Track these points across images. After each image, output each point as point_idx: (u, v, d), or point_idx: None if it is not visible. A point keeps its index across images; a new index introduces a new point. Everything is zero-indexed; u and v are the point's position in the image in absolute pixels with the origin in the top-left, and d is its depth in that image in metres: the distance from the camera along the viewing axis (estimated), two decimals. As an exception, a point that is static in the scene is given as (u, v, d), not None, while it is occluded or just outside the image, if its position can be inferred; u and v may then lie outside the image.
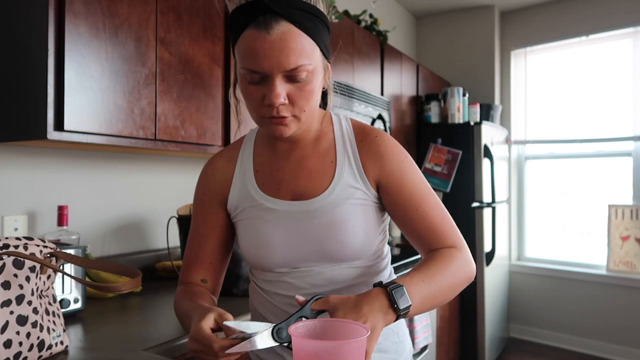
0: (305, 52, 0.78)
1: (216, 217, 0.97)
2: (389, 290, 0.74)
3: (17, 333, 0.87)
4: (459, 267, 0.85)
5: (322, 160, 0.91)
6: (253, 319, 0.99)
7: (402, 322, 1.00)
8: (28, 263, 0.90)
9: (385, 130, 2.70)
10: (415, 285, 0.78)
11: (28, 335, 0.88)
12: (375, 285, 0.77)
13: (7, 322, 0.85)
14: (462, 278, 0.85)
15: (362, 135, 0.93)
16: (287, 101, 0.79)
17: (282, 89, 0.78)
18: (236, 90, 0.91)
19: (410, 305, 0.74)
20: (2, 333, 0.84)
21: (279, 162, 0.93)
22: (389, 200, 0.90)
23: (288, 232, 0.88)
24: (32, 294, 0.90)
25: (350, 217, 0.87)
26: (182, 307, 0.88)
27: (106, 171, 1.78)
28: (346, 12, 2.73)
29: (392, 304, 0.73)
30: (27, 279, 0.90)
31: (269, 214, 0.90)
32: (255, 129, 1.02)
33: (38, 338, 0.90)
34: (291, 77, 0.78)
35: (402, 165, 0.90)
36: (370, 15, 2.96)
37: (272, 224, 0.89)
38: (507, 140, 3.88)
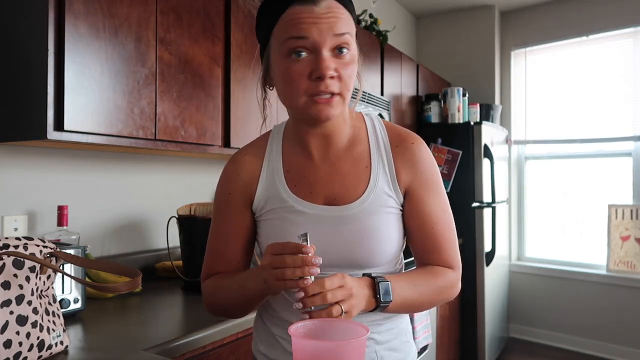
0: (350, 24, 0.82)
1: (243, 218, 0.94)
2: (376, 282, 0.80)
3: (17, 333, 0.86)
4: (447, 287, 0.91)
5: (357, 165, 0.90)
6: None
7: (408, 322, 1.00)
8: (28, 263, 0.90)
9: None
10: (402, 287, 0.83)
11: (28, 335, 0.88)
12: (364, 274, 0.82)
13: (7, 322, 0.85)
14: (443, 297, 0.92)
15: (398, 140, 0.92)
16: (336, 74, 0.80)
17: (330, 61, 0.79)
18: (263, 84, 0.91)
19: (391, 302, 0.80)
20: (2, 333, 0.84)
21: (312, 164, 0.91)
22: (409, 209, 0.91)
23: (317, 236, 0.85)
24: (32, 294, 0.90)
25: (383, 226, 0.87)
26: (233, 281, 0.88)
27: (106, 171, 1.78)
28: (346, 12, 2.73)
29: (375, 294, 0.79)
30: (27, 279, 0.90)
31: (299, 217, 0.88)
32: (281, 124, 0.98)
33: (38, 338, 0.90)
34: (338, 48, 0.79)
35: (432, 180, 0.91)
36: (370, 15, 2.96)
37: (301, 227, 0.87)
38: (507, 140, 3.88)
